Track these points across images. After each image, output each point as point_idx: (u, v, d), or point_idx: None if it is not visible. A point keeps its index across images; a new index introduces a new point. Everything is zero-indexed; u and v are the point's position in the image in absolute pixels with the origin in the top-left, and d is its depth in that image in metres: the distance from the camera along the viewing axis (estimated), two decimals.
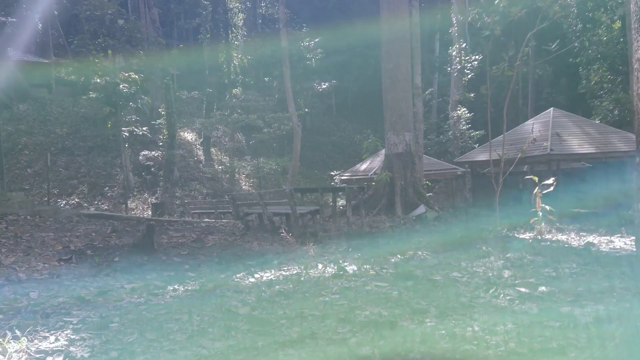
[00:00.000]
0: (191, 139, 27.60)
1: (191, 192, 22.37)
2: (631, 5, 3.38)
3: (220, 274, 5.84)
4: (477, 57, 26.95)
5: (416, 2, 17.45)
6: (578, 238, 8.03)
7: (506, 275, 5.24)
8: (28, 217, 9.95)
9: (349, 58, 34.90)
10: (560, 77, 33.54)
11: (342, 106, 36.86)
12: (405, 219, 11.64)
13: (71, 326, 3.74)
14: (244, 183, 25.73)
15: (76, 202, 19.32)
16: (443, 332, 3.55)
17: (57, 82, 27.08)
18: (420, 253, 6.89)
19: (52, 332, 3.61)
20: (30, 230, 8.67)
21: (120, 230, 9.20)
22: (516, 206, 10.37)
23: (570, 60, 28.44)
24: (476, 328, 3.59)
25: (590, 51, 26.69)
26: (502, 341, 3.33)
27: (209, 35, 33.69)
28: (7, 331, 3.50)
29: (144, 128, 21.88)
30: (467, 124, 27.38)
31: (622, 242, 7.50)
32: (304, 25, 35.69)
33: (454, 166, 20.89)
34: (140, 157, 22.72)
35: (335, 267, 5.92)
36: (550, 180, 8.40)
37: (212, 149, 27.19)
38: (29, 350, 3.23)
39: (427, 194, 14.92)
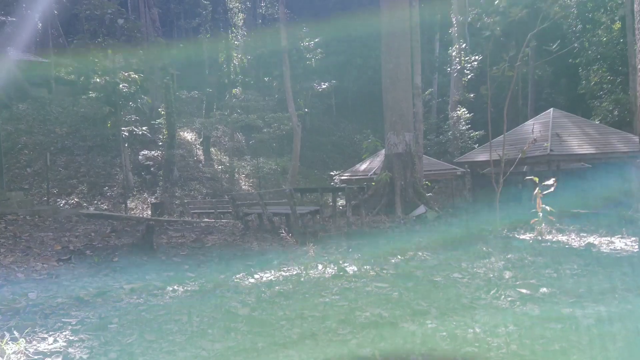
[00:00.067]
0: (191, 139, 27.59)
1: (191, 192, 22.36)
2: (635, 6, 3.36)
3: (219, 274, 5.81)
4: (477, 57, 26.95)
5: (416, 3, 17.47)
6: (579, 238, 8.01)
7: (507, 276, 5.23)
8: (27, 217, 9.93)
9: (349, 58, 34.91)
10: (560, 77, 33.55)
11: (342, 106, 36.84)
12: (405, 219, 11.62)
13: (70, 327, 3.72)
14: (243, 183, 25.72)
15: (75, 201, 19.31)
16: (444, 333, 3.54)
17: (57, 82, 27.09)
18: (420, 253, 6.86)
19: (50, 333, 3.60)
20: (30, 230, 8.66)
21: (119, 230, 9.18)
22: (516, 207, 10.33)
23: (570, 60, 28.47)
24: (477, 329, 3.58)
25: (590, 52, 26.73)
26: (504, 343, 3.31)
27: (208, 35, 33.65)
28: (6, 332, 3.48)
29: (144, 128, 21.88)
30: (467, 124, 27.38)
31: (622, 243, 7.48)
32: (304, 25, 35.66)
33: (454, 166, 20.88)
34: (139, 157, 22.72)
35: (335, 268, 5.90)
36: (551, 181, 8.38)
37: (212, 149, 27.18)
38: (27, 352, 3.21)
39: (427, 194, 14.89)
